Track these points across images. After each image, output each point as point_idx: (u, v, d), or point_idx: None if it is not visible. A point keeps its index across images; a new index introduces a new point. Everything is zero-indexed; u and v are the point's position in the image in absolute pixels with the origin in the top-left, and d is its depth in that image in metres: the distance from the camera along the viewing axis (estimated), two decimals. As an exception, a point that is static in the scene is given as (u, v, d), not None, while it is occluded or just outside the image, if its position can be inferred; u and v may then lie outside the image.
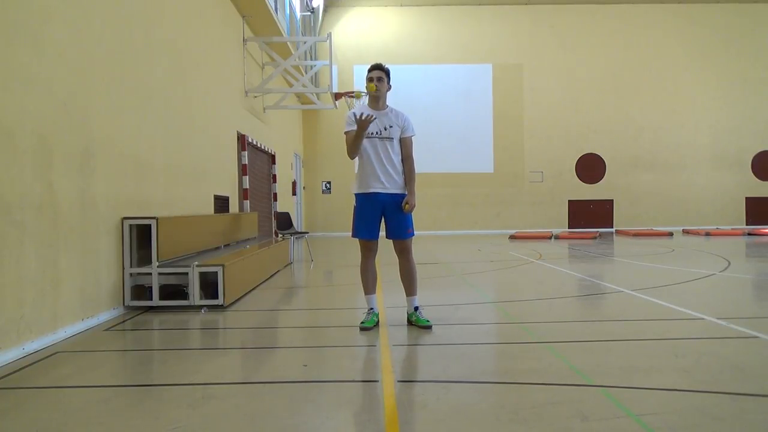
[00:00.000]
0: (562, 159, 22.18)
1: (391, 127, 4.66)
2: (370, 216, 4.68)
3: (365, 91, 4.80)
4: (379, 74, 4.69)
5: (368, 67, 4.78)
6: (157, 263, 5.70)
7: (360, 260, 4.85)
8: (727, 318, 4.84)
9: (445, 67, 21.93)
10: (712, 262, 9.44)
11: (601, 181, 22.26)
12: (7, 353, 3.83)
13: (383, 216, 4.71)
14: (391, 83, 4.80)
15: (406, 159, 4.74)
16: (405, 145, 4.74)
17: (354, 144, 4.59)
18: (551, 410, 2.80)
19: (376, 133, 4.63)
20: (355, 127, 4.57)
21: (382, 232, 4.73)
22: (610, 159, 22.24)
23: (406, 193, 4.70)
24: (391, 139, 4.65)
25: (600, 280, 7.93)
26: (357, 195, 4.75)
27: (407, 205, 4.63)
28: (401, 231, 4.70)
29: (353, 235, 4.78)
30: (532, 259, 10.66)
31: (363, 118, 4.45)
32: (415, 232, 4.82)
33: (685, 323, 4.87)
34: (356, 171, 4.79)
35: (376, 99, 4.72)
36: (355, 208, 4.77)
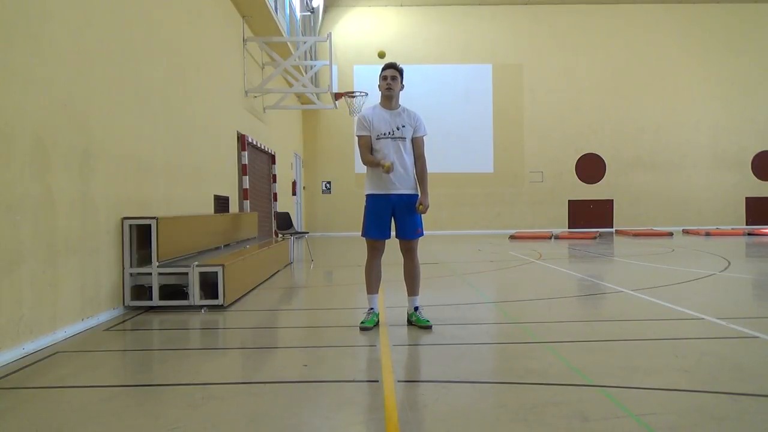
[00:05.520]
0: (562, 159, 22.18)
1: (403, 126, 4.67)
2: (381, 216, 4.68)
3: (379, 90, 4.81)
4: (393, 73, 4.70)
5: (382, 66, 4.76)
6: (157, 263, 5.69)
7: (366, 259, 4.84)
8: (727, 318, 4.84)
9: (445, 67, 21.93)
10: (712, 262, 9.43)
11: (601, 181, 22.26)
12: (6, 353, 3.83)
13: (393, 216, 4.72)
14: (403, 82, 4.81)
15: (418, 158, 4.76)
16: (417, 144, 4.75)
17: (370, 163, 4.65)
18: (551, 410, 2.80)
19: (389, 133, 4.63)
20: (366, 133, 4.66)
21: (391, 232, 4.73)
22: (610, 159, 22.24)
23: (418, 193, 4.72)
24: (403, 138, 4.66)
25: (600, 280, 7.92)
26: (368, 195, 4.75)
27: (421, 206, 4.64)
28: (411, 231, 4.72)
29: (363, 235, 4.78)
30: (532, 259, 10.66)
31: (386, 168, 4.49)
32: (424, 233, 4.82)
33: (685, 323, 4.87)
34: (366, 171, 4.79)
35: (389, 98, 4.72)
36: (366, 207, 4.76)
